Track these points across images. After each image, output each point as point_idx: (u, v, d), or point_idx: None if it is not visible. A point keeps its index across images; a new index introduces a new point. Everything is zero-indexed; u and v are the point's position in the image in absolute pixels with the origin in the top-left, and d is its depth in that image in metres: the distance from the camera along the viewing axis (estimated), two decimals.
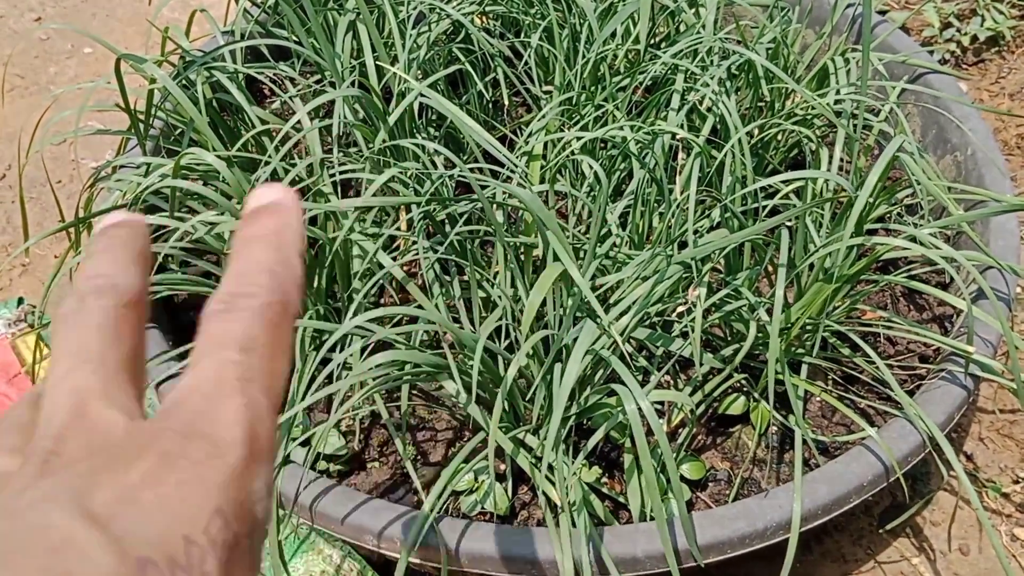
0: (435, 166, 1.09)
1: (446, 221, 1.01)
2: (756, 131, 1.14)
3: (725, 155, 0.98)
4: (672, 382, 1.03)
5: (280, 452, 0.89)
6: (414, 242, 1.00)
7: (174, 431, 0.21)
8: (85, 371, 0.23)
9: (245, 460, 0.21)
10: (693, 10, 1.19)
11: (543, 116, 1.05)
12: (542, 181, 1.04)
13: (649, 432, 0.95)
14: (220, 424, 0.21)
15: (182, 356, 1.04)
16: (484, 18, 1.34)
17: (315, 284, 1.05)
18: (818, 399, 1.03)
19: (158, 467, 0.20)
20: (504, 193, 0.97)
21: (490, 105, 1.31)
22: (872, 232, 1.11)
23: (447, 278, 1.05)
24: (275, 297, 0.24)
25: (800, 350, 1.00)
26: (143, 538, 0.18)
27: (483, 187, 0.93)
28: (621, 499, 0.93)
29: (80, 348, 0.23)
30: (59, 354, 0.23)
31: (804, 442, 0.93)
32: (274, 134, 1.17)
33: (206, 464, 0.20)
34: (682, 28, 1.27)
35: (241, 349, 0.22)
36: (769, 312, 0.91)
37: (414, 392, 1.05)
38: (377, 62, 1.12)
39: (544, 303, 0.93)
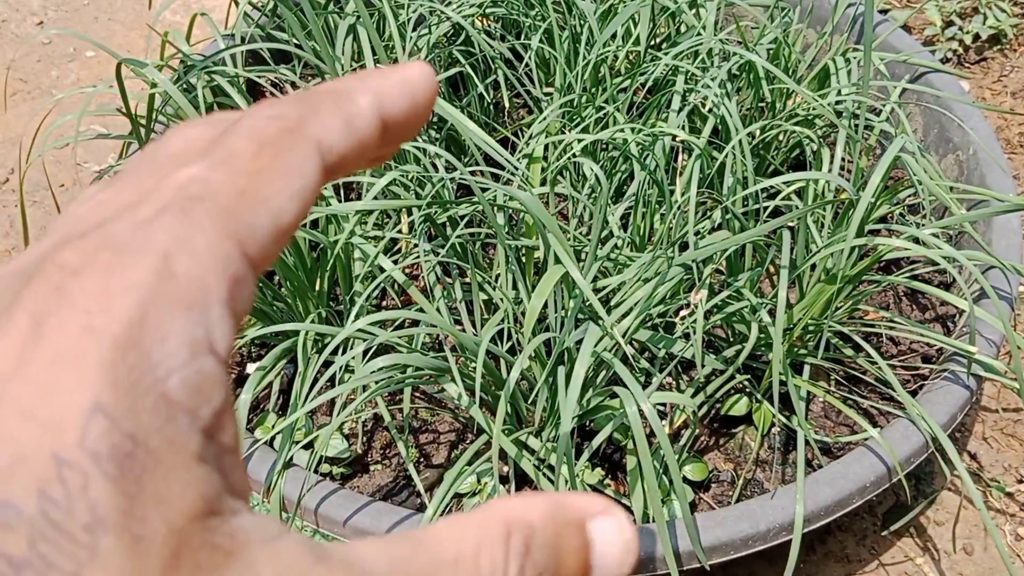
0: (436, 169, 1.09)
1: (447, 224, 1.01)
2: (757, 132, 1.14)
3: (726, 156, 0.98)
4: (674, 383, 1.03)
5: (283, 455, 0.89)
6: (415, 245, 1.00)
7: (60, 268, 0.15)
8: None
9: (141, 309, 0.14)
10: (693, 11, 1.19)
11: (544, 118, 1.05)
12: (543, 183, 1.04)
13: (651, 434, 0.95)
14: (124, 256, 0.15)
15: None
16: (484, 20, 1.34)
17: (316, 287, 1.05)
18: (821, 400, 1.03)
19: (26, 339, 0.14)
20: (505, 196, 0.97)
21: (491, 107, 1.31)
22: (874, 232, 1.10)
23: (449, 281, 1.05)
24: (288, 111, 0.18)
25: (802, 351, 1.00)
26: None
27: (484, 190, 0.94)
28: (624, 501, 0.93)
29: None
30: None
31: (807, 443, 0.93)
32: None
33: (84, 322, 0.14)
34: (683, 29, 1.27)
35: (208, 165, 0.17)
36: (771, 313, 0.91)
37: (416, 395, 1.05)
38: (377, 65, 1.12)
39: (546, 305, 0.93)
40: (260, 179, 0.17)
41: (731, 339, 1.02)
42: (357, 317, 0.88)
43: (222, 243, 0.16)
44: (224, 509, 0.14)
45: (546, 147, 1.07)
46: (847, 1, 1.33)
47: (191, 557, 0.13)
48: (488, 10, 1.25)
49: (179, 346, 0.14)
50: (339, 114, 0.18)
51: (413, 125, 0.20)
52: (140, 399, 0.14)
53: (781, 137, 1.20)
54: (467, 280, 1.06)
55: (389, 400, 1.03)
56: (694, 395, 0.97)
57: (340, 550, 0.15)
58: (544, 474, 0.90)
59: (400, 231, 1.12)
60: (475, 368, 0.77)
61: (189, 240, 0.15)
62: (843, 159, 1.12)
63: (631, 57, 1.22)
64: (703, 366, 0.91)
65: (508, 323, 0.95)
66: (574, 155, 1.02)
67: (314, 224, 1.08)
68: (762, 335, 0.93)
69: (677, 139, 1.00)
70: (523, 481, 0.96)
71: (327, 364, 0.99)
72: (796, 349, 1.00)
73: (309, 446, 0.96)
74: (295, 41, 1.26)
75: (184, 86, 1.15)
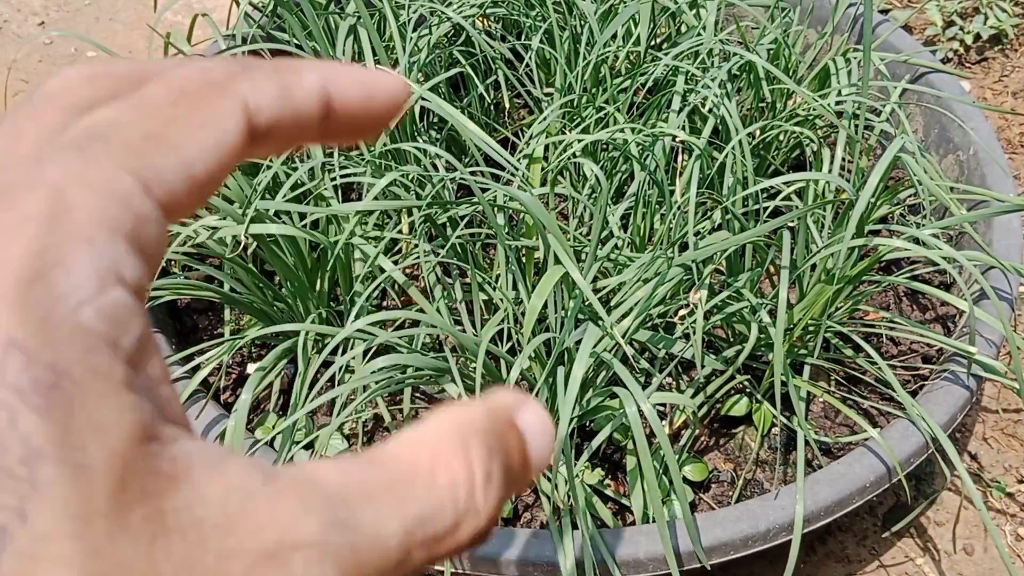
0: (436, 169, 1.09)
1: (447, 224, 1.01)
2: (757, 132, 1.14)
3: (726, 157, 0.98)
4: (674, 384, 1.03)
5: (283, 455, 0.89)
6: (415, 245, 1.00)
7: None
8: None
9: (39, 242, 0.14)
10: (694, 11, 1.19)
11: (544, 118, 1.05)
12: (543, 183, 1.04)
13: (651, 434, 0.95)
14: (20, 195, 0.14)
15: (186, 360, 1.04)
16: (485, 21, 1.34)
17: (317, 287, 1.05)
18: (821, 400, 1.03)
19: None
20: (505, 196, 0.97)
21: (491, 107, 1.31)
22: (875, 232, 1.10)
23: (449, 281, 1.05)
24: (215, 67, 0.17)
25: (803, 351, 1.00)
26: None
27: (484, 190, 0.94)
28: (624, 501, 0.93)
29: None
30: None
31: (807, 443, 0.93)
32: None
33: None
34: (683, 29, 1.27)
35: (119, 108, 0.16)
36: (771, 313, 0.91)
37: (417, 395, 1.05)
38: (378, 65, 1.13)
39: (545, 305, 0.93)
40: (172, 125, 0.16)
41: (731, 339, 1.02)
42: (357, 317, 0.89)
43: (121, 178, 0.15)
44: (163, 435, 0.14)
45: (546, 147, 1.07)
46: (847, 1, 1.33)
47: (136, 483, 0.13)
48: (488, 10, 1.25)
49: (86, 277, 0.14)
50: (274, 79, 0.18)
51: (368, 122, 0.19)
52: (54, 330, 0.13)
53: (781, 137, 1.20)
54: (467, 280, 1.06)
55: (389, 400, 1.03)
56: (694, 395, 0.97)
57: (291, 469, 0.15)
58: (543, 474, 0.90)
59: (400, 231, 1.12)
60: (475, 368, 0.77)
61: (84, 174, 0.15)
62: (843, 159, 1.12)
63: (631, 57, 1.22)
64: (703, 366, 0.91)
65: (508, 323, 0.95)
66: (574, 155, 1.02)
67: (314, 224, 1.08)
68: (762, 335, 0.93)
69: (677, 139, 1.01)
70: None
71: (327, 364, 0.99)
72: (796, 349, 1.00)
73: (309, 446, 0.97)
74: (295, 41, 1.26)
75: None
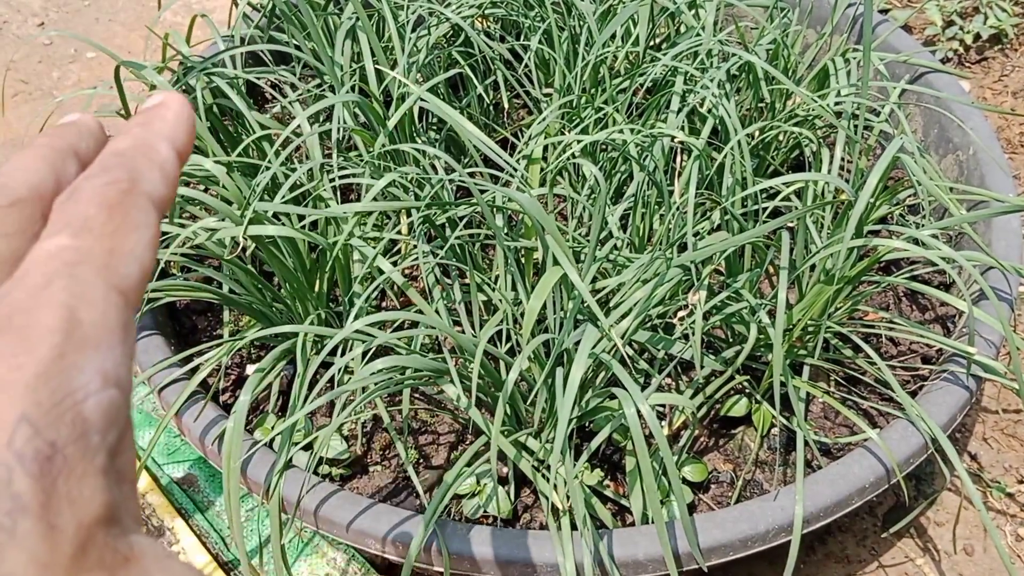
0: (435, 170, 1.09)
1: (446, 225, 1.01)
2: (756, 133, 1.14)
3: (725, 157, 0.98)
4: (674, 384, 1.03)
5: (282, 456, 0.89)
6: (414, 246, 1.00)
7: None
8: None
9: (58, 349, 0.18)
10: (693, 12, 1.19)
11: (543, 119, 1.05)
12: (542, 184, 1.04)
13: (651, 435, 0.95)
14: (34, 314, 0.18)
15: (185, 361, 1.04)
16: (484, 21, 1.34)
17: (316, 288, 1.05)
18: (820, 400, 1.03)
19: None
20: (504, 197, 0.97)
21: (491, 108, 1.31)
22: (874, 233, 1.10)
23: (448, 282, 1.05)
24: (119, 175, 0.22)
25: (802, 352, 1.00)
26: None
27: (482, 191, 0.94)
28: (624, 502, 0.93)
29: None
30: None
31: (806, 444, 0.93)
32: (274, 138, 1.17)
33: (11, 362, 0.17)
34: (682, 30, 1.27)
35: (73, 234, 0.20)
36: (770, 314, 0.91)
37: (416, 396, 1.05)
38: (376, 66, 1.12)
39: (544, 306, 0.93)
40: (119, 237, 0.20)
41: (730, 340, 1.02)
42: (356, 318, 0.88)
43: (111, 294, 0.19)
44: (124, 522, 0.17)
45: (545, 148, 1.07)
46: (847, 1, 1.33)
47: (96, 553, 0.16)
48: (487, 11, 1.25)
49: (93, 376, 0.18)
50: (155, 167, 0.23)
51: (190, 149, 0.25)
52: (61, 415, 0.17)
53: (780, 138, 1.20)
54: (466, 281, 1.06)
55: (388, 401, 1.03)
56: (693, 396, 0.97)
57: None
58: (543, 475, 0.90)
59: (399, 232, 1.12)
60: (474, 369, 0.77)
61: (85, 295, 0.19)
62: (843, 159, 1.12)
63: (630, 58, 1.22)
64: (702, 367, 0.91)
65: (507, 324, 0.95)
66: (573, 156, 1.02)
67: (313, 226, 1.08)
68: (761, 336, 0.93)
69: (676, 140, 1.00)
70: (523, 481, 0.97)
71: (326, 365, 0.99)
72: (796, 350, 1.00)
73: (308, 447, 0.97)
74: (294, 42, 1.26)
75: (183, 88, 1.15)
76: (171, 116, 0.24)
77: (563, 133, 1.09)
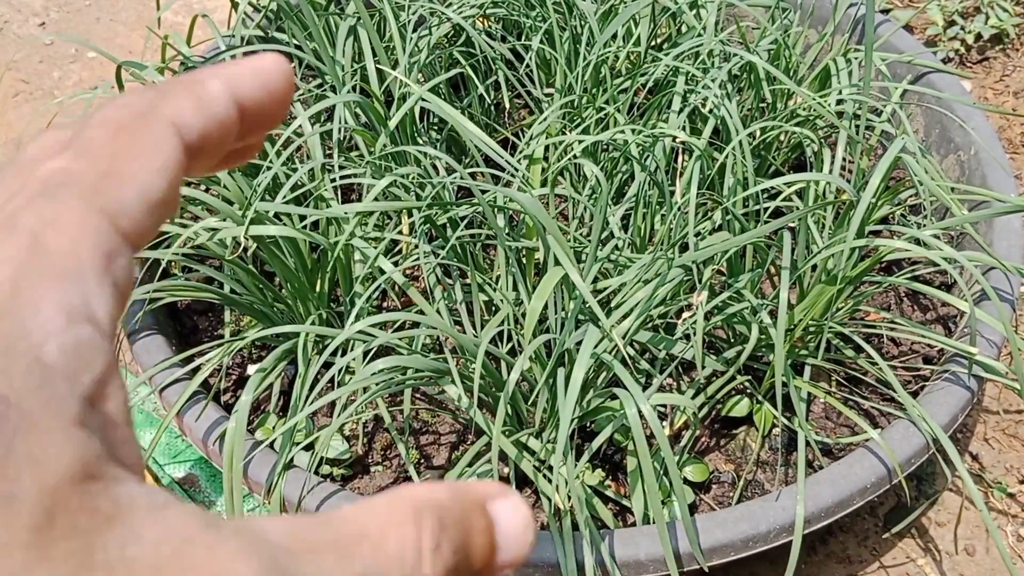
0: (436, 170, 1.09)
1: (447, 225, 1.01)
2: (758, 133, 1.14)
3: (726, 157, 0.98)
4: (675, 384, 1.03)
5: (283, 456, 0.89)
6: (416, 246, 1.00)
7: None
8: None
9: (10, 284, 0.15)
10: (694, 12, 1.19)
11: (544, 119, 1.05)
12: (543, 184, 1.04)
13: (652, 435, 0.95)
14: None
15: (186, 361, 1.04)
16: (485, 21, 1.34)
17: (317, 289, 1.05)
18: (822, 401, 1.03)
19: None
20: (505, 197, 0.97)
21: (492, 108, 1.31)
22: (875, 233, 1.10)
23: (449, 282, 1.05)
24: (141, 98, 0.19)
25: (803, 352, 1.00)
26: None
27: (484, 191, 0.94)
28: (625, 502, 0.93)
29: None
30: None
31: (808, 444, 0.93)
32: (275, 138, 1.17)
33: None
34: (683, 30, 1.26)
35: (72, 156, 0.17)
36: (772, 314, 0.91)
37: (417, 396, 1.05)
38: (378, 66, 1.12)
39: (546, 307, 0.93)
40: (121, 159, 0.17)
41: (732, 340, 1.02)
42: (357, 319, 0.88)
43: (91, 218, 0.16)
44: (106, 475, 0.14)
45: (546, 148, 1.07)
46: (848, 1, 1.33)
47: (67, 519, 0.13)
48: (489, 11, 1.25)
49: (54, 314, 0.15)
50: (190, 96, 0.19)
51: (272, 112, 0.21)
52: (13, 363, 0.14)
53: (782, 138, 1.20)
54: (467, 281, 1.06)
55: (390, 401, 1.03)
56: (695, 396, 0.97)
57: (236, 521, 0.15)
58: (544, 475, 0.90)
59: (400, 232, 1.12)
60: (475, 369, 0.77)
61: (59, 219, 0.16)
62: (844, 160, 1.12)
63: (632, 58, 1.22)
64: (704, 367, 0.91)
65: (508, 324, 0.95)
66: (574, 156, 1.02)
67: (314, 226, 1.08)
68: (763, 336, 0.93)
69: (677, 140, 1.00)
70: (524, 481, 0.96)
71: (328, 365, 0.99)
72: (797, 350, 1.00)
73: (310, 447, 0.97)
74: (295, 42, 1.26)
75: None
76: (247, 64, 0.20)
77: (564, 133, 1.09)
